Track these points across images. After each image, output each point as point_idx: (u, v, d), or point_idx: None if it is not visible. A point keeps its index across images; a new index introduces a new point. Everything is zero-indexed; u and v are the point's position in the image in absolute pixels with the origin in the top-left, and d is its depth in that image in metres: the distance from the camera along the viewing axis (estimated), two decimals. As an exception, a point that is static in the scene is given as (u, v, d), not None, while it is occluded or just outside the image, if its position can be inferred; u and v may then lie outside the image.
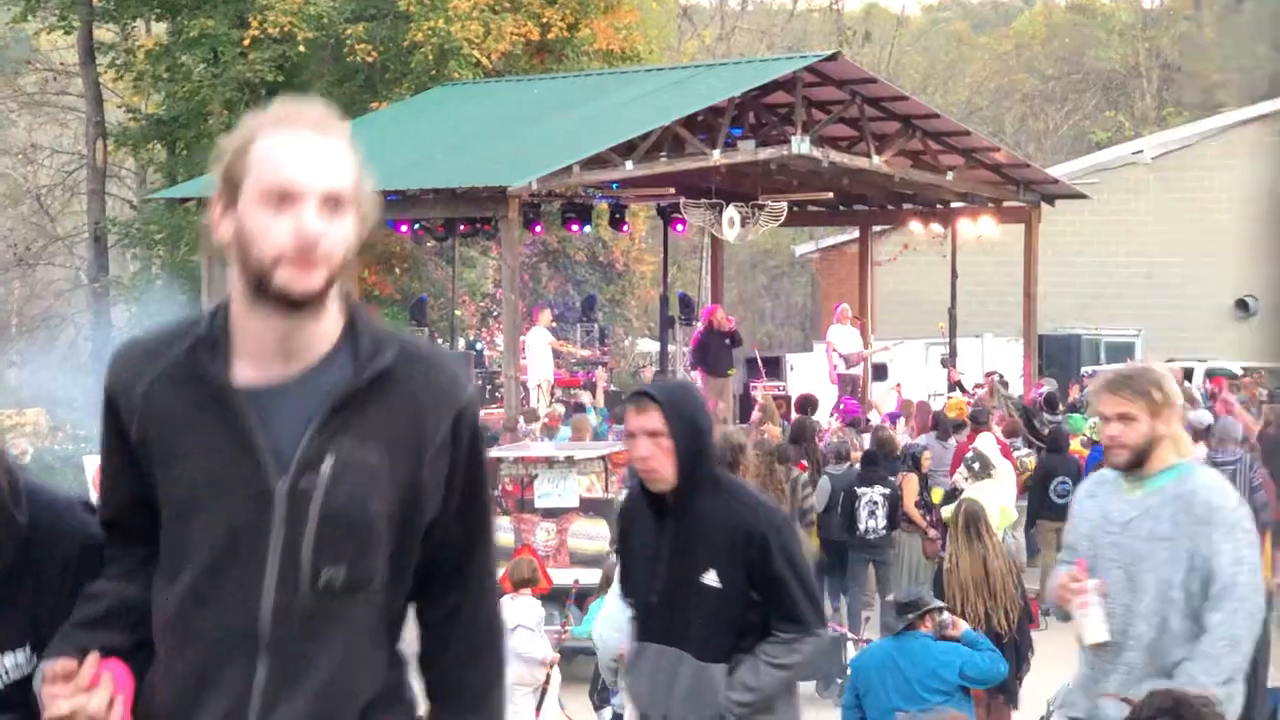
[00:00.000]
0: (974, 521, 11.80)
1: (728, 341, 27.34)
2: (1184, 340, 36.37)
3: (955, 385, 27.14)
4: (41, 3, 35.29)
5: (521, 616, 11.72)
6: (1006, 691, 11.55)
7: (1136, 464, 6.45)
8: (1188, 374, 29.17)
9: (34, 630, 3.78)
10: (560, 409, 24.49)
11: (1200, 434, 19.17)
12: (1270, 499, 18.33)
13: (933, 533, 18.17)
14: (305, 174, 3.40)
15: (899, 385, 27.04)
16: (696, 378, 27.04)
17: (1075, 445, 20.49)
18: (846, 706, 10.20)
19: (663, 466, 6.12)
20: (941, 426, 20.91)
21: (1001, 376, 27.37)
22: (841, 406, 25.54)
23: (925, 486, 18.69)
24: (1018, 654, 11.67)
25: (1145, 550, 6.43)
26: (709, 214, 27.17)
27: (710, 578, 6.16)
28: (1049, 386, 25.63)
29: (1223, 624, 6.30)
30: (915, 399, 25.91)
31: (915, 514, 18.21)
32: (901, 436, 21.33)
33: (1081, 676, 6.75)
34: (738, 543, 6.15)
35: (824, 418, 23.88)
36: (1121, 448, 6.44)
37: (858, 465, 18.25)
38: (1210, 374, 29.16)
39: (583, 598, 14.27)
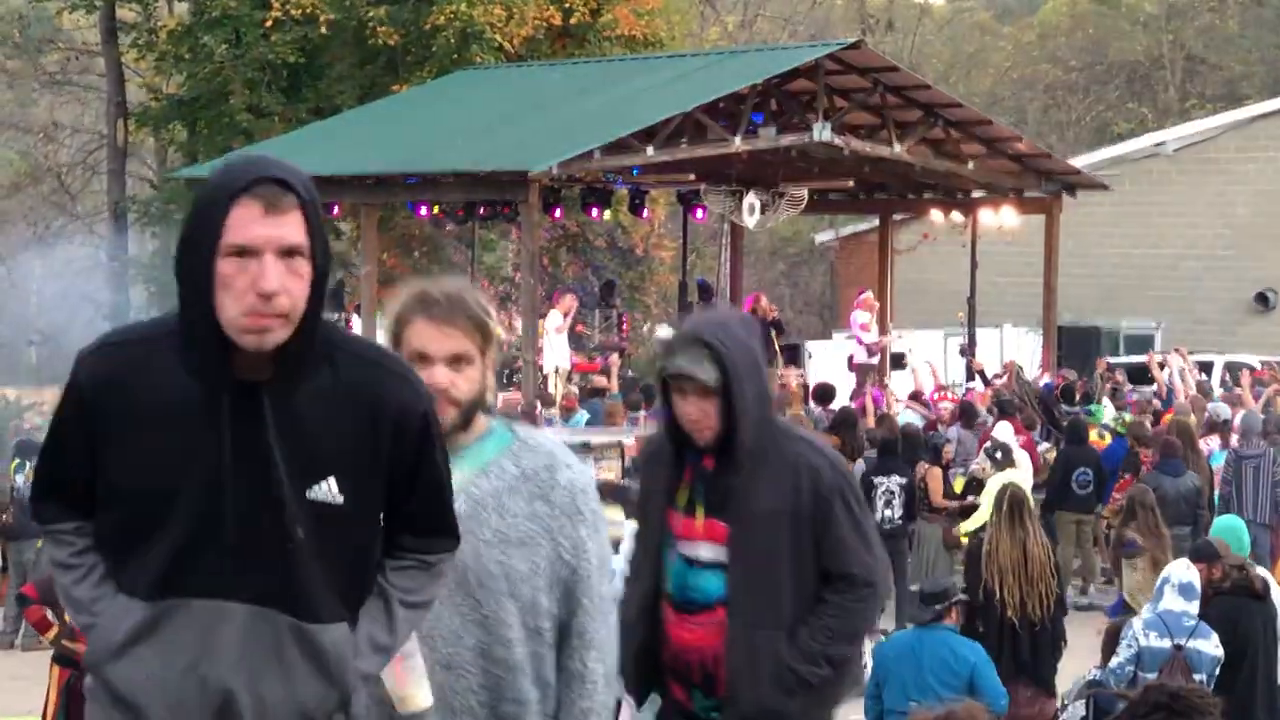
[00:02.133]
0: (1018, 506, 11.71)
1: (770, 330, 27.33)
2: (1203, 333, 36.27)
3: (979, 374, 27.01)
4: (64, -19, 35.37)
5: None
6: (1043, 682, 11.46)
7: (461, 427, 4.49)
8: (1206, 367, 29.10)
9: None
10: (575, 391, 24.44)
11: (1218, 427, 19.15)
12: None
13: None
14: None
15: (931, 365, 26.57)
16: None
17: (1093, 436, 20.40)
18: (868, 696, 10.15)
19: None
20: (968, 416, 20.82)
21: (1020, 368, 27.29)
22: (870, 396, 25.28)
23: (947, 477, 18.64)
24: (1052, 643, 11.60)
25: (495, 563, 4.43)
26: (729, 201, 27.14)
27: (325, 490, 3.89)
28: (1072, 377, 25.53)
29: (594, 642, 4.55)
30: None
31: (944, 504, 18.17)
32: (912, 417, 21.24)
33: None
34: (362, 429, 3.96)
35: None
36: (452, 404, 4.45)
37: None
38: (1232, 367, 29.06)
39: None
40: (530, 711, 4.48)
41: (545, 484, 4.48)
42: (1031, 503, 12.05)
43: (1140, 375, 27.05)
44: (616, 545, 15.73)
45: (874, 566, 5.63)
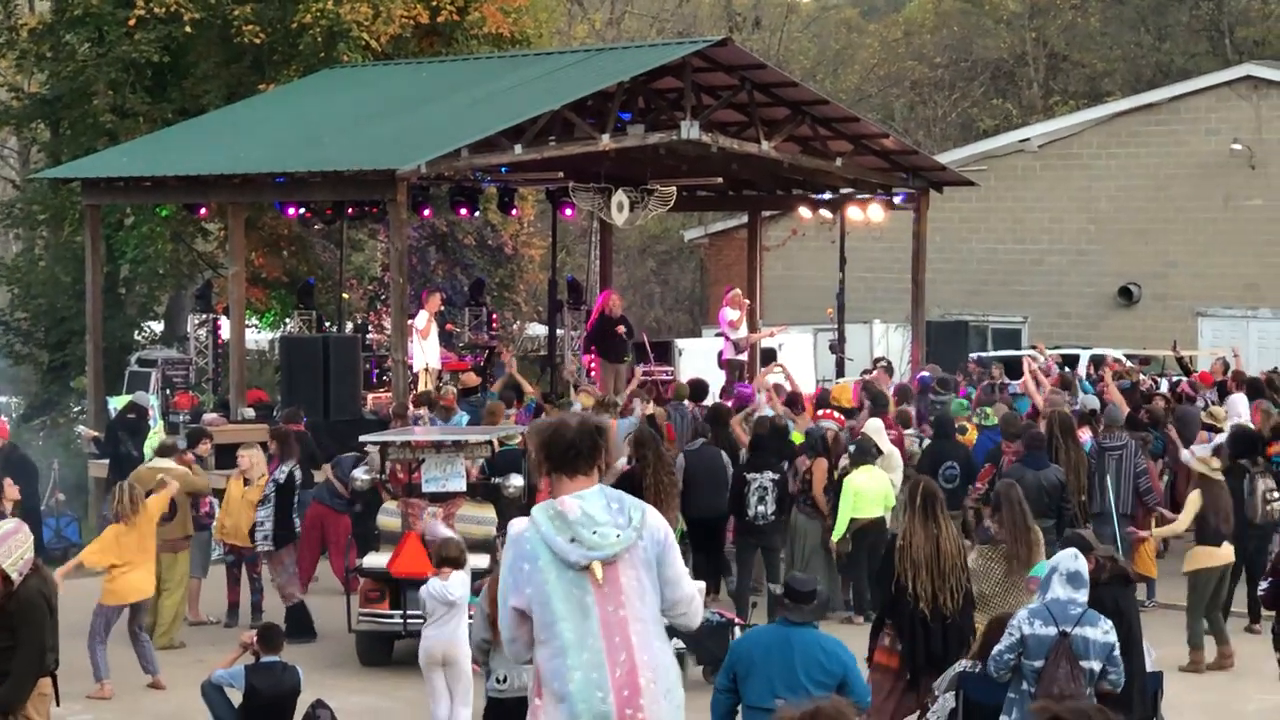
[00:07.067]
0: (931, 501, 11.74)
1: (620, 328, 27.33)
2: (1069, 327, 36.73)
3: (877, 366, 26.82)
4: (-79, -21, 34.75)
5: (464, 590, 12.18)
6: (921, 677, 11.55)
7: None
8: (1071, 360, 29.46)
9: None
10: (452, 390, 24.31)
11: (1085, 418, 19.37)
12: (1153, 483, 18.54)
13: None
14: None
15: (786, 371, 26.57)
16: (590, 363, 27.12)
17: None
18: (719, 689, 10.09)
19: None
20: (877, 404, 20.45)
21: (889, 363, 27.45)
22: (734, 392, 25.24)
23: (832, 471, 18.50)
24: (961, 636, 11.67)
25: None
26: (598, 198, 27.16)
27: None
28: (930, 371, 25.74)
29: None
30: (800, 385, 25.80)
31: (821, 499, 18.01)
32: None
33: None
34: None
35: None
36: None
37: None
38: (1096, 360, 29.43)
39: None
40: None
41: None
42: (944, 498, 12.07)
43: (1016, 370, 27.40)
44: (486, 546, 15.76)
45: None
